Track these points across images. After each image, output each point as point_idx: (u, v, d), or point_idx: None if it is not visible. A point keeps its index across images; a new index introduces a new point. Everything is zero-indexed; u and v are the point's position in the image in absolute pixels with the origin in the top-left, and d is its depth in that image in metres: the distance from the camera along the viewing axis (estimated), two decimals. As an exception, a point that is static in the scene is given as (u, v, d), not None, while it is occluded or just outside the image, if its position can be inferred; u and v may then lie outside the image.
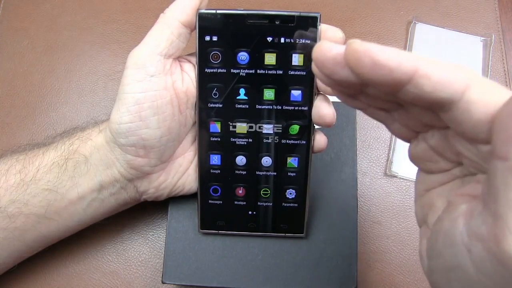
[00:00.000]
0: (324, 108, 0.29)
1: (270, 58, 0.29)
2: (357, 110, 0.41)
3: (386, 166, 0.41)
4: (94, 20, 0.47)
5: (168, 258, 0.33)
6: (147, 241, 0.38)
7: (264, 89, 0.29)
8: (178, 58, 0.30)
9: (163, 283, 0.33)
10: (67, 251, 0.37)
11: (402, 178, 0.41)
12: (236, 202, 0.32)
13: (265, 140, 0.31)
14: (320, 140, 0.31)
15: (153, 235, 0.39)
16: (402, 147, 0.41)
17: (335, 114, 0.29)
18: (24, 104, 0.44)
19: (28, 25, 0.47)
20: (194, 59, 0.30)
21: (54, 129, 0.43)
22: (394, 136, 0.41)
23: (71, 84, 0.44)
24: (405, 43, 0.45)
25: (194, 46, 0.29)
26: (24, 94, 0.44)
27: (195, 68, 0.29)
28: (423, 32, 0.45)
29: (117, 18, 0.47)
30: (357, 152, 0.38)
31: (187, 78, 0.30)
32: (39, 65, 0.45)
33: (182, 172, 0.32)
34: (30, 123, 0.43)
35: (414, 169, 0.43)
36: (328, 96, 0.29)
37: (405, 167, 0.41)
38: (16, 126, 0.43)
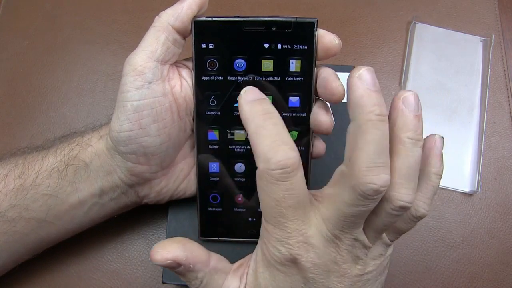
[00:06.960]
0: (321, 116, 0.28)
1: (267, 65, 0.28)
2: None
3: (386, 166, 0.41)
4: (94, 20, 0.47)
5: (168, 258, 0.33)
6: (147, 241, 0.38)
7: None
8: (175, 63, 0.30)
9: (163, 283, 0.33)
10: (67, 251, 0.38)
11: (402, 178, 0.41)
12: (236, 209, 0.32)
13: None
14: (318, 146, 0.31)
15: (153, 235, 0.39)
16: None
17: (333, 122, 0.29)
18: (24, 104, 0.44)
19: (28, 25, 0.47)
20: (191, 64, 0.29)
21: (54, 129, 0.43)
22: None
23: (71, 84, 0.44)
24: (405, 43, 0.45)
25: (190, 51, 0.29)
26: (24, 94, 0.44)
27: (192, 74, 0.29)
28: (423, 32, 0.45)
29: (117, 18, 0.47)
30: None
31: (185, 83, 0.30)
32: (39, 65, 0.45)
33: (183, 177, 0.32)
34: (30, 123, 0.43)
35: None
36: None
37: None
38: (16, 126, 0.43)
